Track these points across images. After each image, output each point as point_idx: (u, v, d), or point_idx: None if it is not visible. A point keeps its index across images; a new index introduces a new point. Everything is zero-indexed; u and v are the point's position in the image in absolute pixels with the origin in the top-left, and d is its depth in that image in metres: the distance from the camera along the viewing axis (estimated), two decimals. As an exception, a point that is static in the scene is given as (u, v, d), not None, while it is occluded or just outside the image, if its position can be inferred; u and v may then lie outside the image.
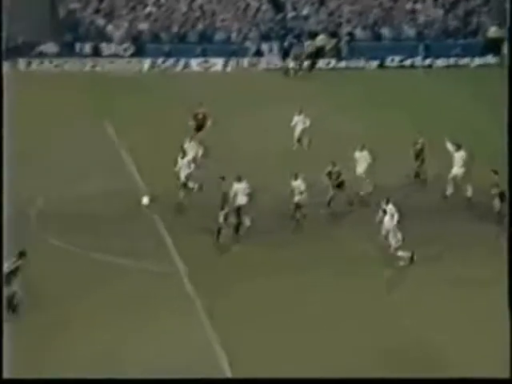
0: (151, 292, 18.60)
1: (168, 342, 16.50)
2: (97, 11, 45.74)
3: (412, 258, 20.59)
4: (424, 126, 28.79)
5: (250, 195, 21.78)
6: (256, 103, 33.74)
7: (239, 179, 21.79)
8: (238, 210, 21.72)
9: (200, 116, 28.01)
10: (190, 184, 23.57)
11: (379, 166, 24.58)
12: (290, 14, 47.37)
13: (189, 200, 23.43)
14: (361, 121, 31.58)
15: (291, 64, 43.22)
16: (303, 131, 28.34)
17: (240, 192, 21.64)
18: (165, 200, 23.66)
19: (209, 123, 27.95)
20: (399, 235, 20.48)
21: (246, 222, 21.81)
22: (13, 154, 26.97)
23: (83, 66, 43.39)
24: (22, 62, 43.22)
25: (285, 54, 45.67)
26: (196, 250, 20.90)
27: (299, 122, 28.23)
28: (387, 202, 20.81)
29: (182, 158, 23.66)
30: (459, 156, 24.38)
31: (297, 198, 22.21)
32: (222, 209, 21.27)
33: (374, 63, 45.16)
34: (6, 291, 16.82)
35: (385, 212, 20.66)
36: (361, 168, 24.50)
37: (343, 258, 20.59)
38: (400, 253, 20.57)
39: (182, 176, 23.43)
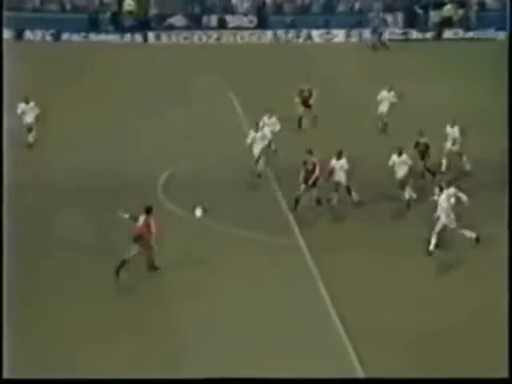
0: (271, 263, 18.75)
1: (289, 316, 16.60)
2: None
3: (477, 239, 19.31)
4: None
5: (349, 172, 21.35)
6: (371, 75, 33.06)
7: (339, 156, 21.36)
8: (337, 186, 21.45)
9: (306, 93, 27.87)
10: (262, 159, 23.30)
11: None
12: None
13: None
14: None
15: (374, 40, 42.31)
16: (389, 108, 27.19)
17: (338, 168, 21.32)
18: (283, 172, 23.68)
19: (312, 100, 27.71)
20: (452, 216, 19.03)
21: (355, 197, 21.63)
22: (139, 126, 28.30)
23: (209, 38, 44.09)
24: (151, 35, 44.37)
25: (410, 24, 44.71)
26: (313, 224, 20.93)
27: (385, 99, 27.02)
28: (449, 184, 19.57)
29: (256, 131, 23.32)
30: None
31: (401, 174, 21.59)
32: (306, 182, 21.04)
33: (503, 34, 43.48)
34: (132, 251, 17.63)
35: (441, 190, 19.30)
36: (450, 143, 23.55)
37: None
38: (462, 231, 19.24)
39: (257, 150, 23.16)
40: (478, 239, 19.55)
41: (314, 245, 19.65)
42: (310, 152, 21.49)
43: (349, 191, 21.73)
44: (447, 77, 33.84)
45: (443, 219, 19.21)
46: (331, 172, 21.51)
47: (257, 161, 23.46)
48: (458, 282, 18.26)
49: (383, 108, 27.40)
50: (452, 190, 19.60)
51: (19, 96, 26.77)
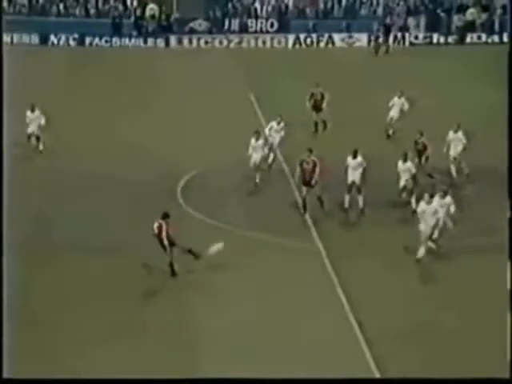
0: (288, 267, 18.59)
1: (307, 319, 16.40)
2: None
3: (418, 260, 18.34)
4: None
5: (364, 172, 20.84)
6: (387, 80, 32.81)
7: (355, 155, 20.86)
8: (351, 187, 20.94)
9: (317, 96, 27.53)
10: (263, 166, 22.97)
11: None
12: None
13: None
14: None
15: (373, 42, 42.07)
16: (400, 114, 26.55)
17: (352, 167, 20.86)
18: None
19: (324, 104, 27.14)
20: (440, 226, 18.36)
21: (360, 202, 21.00)
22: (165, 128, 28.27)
23: (230, 43, 44.13)
24: (173, 39, 44.51)
25: (432, 28, 44.45)
26: (329, 227, 20.57)
27: (396, 105, 26.55)
28: (445, 194, 18.73)
29: (257, 140, 22.75)
30: None
31: (403, 181, 20.87)
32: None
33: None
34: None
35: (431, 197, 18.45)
36: (454, 150, 22.88)
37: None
38: (430, 244, 18.49)
39: (257, 158, 22.65)
40: (418, 260, 18.59)
41: (331, 249, 19.51)
42: (310, 151, 20.98)
43: (359, 191, 21.21)
44: (467, 81, 33.56)
45: (428, 227, 18.45)
46: (345, 170, 21.09)
47: (257, 169, 22.96)
48: (461, 283, 17.95)
49: (393, 113, 27.13)
50: (448, 199, 18.87)
51: (45, 99, 27.00)
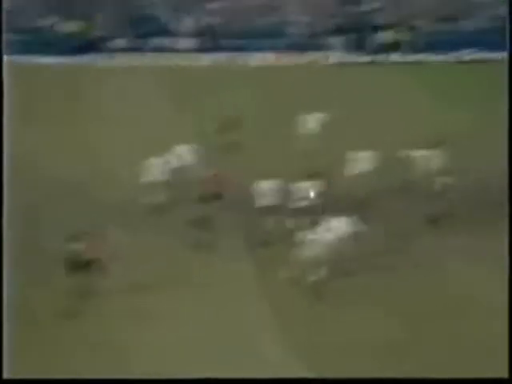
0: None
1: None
2: (163, 5, 45.28)
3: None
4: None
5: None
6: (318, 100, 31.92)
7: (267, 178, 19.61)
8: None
9: (229, 120, 26.25)
10: None
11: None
12: (364, 7, 45.69)
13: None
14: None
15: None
16: (316, 131, 25.58)
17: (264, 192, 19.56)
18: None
19: (239, 126, 26.10)
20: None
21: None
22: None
23: (152, 60, 42.93)
24: (92, 57, 43.14)
25: (356, 47, 44.08)
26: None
27: (313, 121, 25.76)
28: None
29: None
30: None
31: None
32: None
33: (451, 56, 43.05)
34: None
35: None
36: (357, 169, 21.58)
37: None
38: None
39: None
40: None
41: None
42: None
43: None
44: (387, 101, 32.81)
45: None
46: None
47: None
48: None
49: (307, 131, 26.38)
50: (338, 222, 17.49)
51: None
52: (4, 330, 13.01)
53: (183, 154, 23.13)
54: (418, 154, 21.98)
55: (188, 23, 44.34)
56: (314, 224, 17.82)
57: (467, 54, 43.04)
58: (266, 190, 19.83)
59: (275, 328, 16.05)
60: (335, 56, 43.68)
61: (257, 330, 16.01)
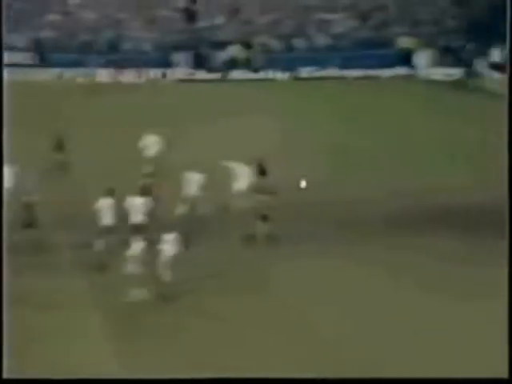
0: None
1: None
2: (-2, 18, 43.24)
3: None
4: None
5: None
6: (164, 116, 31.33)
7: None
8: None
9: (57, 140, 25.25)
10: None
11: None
12: (202, 24, 45.74)
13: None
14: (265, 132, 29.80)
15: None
16: (157, 153, 24.80)
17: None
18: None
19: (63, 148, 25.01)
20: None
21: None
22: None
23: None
24: None
25: (197, 64, 44.00)
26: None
27: (153, 143, 24.95)
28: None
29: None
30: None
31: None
32: None
33: (287, 74, 43.87)
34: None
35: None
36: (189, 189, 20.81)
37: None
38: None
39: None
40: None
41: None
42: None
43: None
44: (229, 119, 32.76)
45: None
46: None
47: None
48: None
49: (149, 152, 25.68)
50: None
51: None
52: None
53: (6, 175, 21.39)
54: (239, 170, 21.78)
55: (19, 37, 42.48)
56: (135, 243, 17.12)
57: (304, 72, 44.14)
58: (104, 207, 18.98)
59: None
60: (176, 73, 43.38)
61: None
